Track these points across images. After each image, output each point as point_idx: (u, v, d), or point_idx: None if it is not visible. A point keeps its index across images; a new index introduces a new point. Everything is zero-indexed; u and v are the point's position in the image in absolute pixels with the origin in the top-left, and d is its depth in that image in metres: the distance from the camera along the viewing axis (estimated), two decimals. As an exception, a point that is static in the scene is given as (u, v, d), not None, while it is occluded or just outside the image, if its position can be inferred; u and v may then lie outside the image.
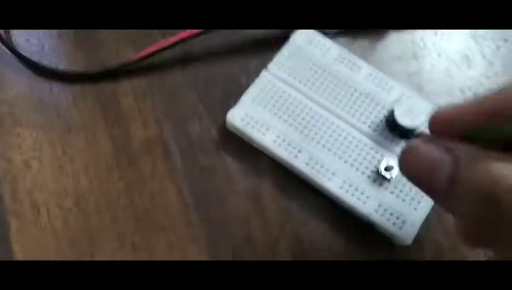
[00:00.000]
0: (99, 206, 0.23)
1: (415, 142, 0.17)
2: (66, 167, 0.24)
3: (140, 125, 0.25)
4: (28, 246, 0.23)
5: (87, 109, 0.25)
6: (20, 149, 0.24)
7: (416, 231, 0.22)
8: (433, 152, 0.16)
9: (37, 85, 0.25)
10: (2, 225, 0.23)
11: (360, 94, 0.25)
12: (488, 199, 0.14)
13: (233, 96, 0.25)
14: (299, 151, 0.23)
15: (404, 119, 0.23)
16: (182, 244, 0.23)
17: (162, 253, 0.23)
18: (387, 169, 0.23)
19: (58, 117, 0.25)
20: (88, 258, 0.22)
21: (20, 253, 0.22)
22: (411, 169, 0.17)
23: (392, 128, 0.24)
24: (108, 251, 0.23)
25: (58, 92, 0.25)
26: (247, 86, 0.25)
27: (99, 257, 0.22)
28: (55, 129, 0.25)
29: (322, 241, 0.23)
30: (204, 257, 0.23)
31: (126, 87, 0.26)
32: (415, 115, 0.23)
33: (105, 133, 0.25)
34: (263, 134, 0.24)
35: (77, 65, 0.26)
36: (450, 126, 0.16)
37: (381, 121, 0.24)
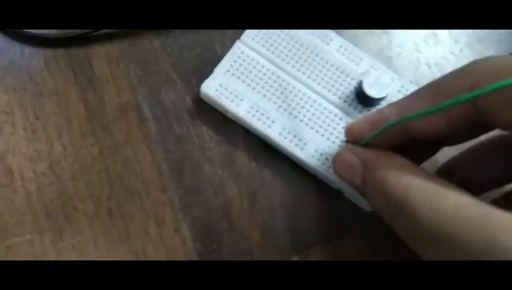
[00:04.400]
0: (74, 171, 0.23)
1: (343, 147, 0.22)
2: (39, 131, 0.24)
3: (114, 91, 0.25)
4: (1, 211, 0.23)
5: (59, 74, 0.25)
6: (-10, 113, 0.24)
7: (381, 197, 0.24)
8: (352, 158, 0.21)
9: (8, 47, 0.25)
10: (-26, 189, 0.23)
11: (331, 66, 0.25)
12: (382, 195, 0.19)
13: (207, 65, 0.25)
14: (273, 121, 0.24)
15: (371, 90, 0.24)
16: (157, 211, 0.23)
17: (137, 220, 0.23)
18: (355, 139, 0.24)
19: (30, 81, 0.24)
20: (62, 222, 0.23)
21: (-7, 217, 0.22)
22: (339, 170, 0.22)
23: (361, 99, 0.25)
24: (83, 217, 0.23)
25: (29, 55, 0.25)
26: (222, 55, 0.25)
27: (75, 223, 0.23)
28: (27, 93, 0.24)
29: (294, 208, 0.24)
30: (180, 224, 0.23)
31: (99, 52, 0.25)
32: (382, 87, 0.24)
33: (78, 98, 0.25)
34: (237, 105, 0.24)
35: (49, 29, 0.26)
36: (355, 136, 0.21)
37: (351, 92, 0.25)
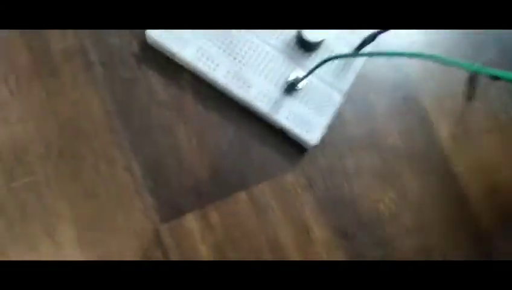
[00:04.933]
0: (22, 115, 0.24)
1: None
2: (-16, 76, 0.24)
3: (59, 36, 0.25)
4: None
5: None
6: None
7: (321, 134, 0.26)
8: None
9: None
10: None
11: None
12: None
13: (153, 10, 0.26)
14: (217, 65, 0.25)
15: (309, 35, 0.25)
16: (107, 151, 0.24)
17: (88, 160, 0.24)
18: (296, 81, 0.25)
19: (-29, 26, 0.24)
20: (13, 164, 0.23)
21: None
22: None
23: (301, 43, 0.26)
24: (35, 159, 0.23)
25: (-32, -1, 0.24)
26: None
27: (27, 164, 0.23)
28: (-32, 38, 0.24)
29: (240, 147, 0.26)
30: (130, 163, 0.24)
31: (42, -3, 0.25)
32: (320, 32, 0.25)
33: (22, 43, 0.25)
34: (182, 48, 0.25)
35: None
36: None
37: (292, 37, 0.26)
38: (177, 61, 0.26)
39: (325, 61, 0.21)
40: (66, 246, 0.23)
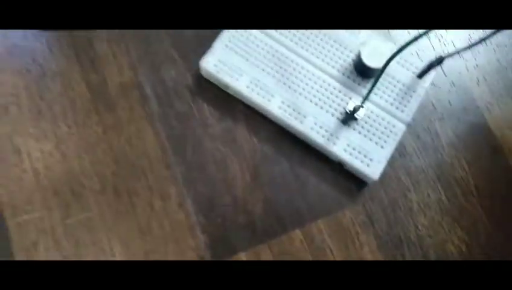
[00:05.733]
0: (79, 150, 0.24)
1: None
2: (45, 112, 0.24)
3: (116, 71, 0.25)
4: (10, 188, 0.23)
5: (62, 55, 0.25)
6: (-4, 95, 0.24)
7: (383, 167, 0.24)
8: None
9: (11, 30, 0.25)
10: (-16, 169, 0.23)
11: (329, 38, 0.25)
12: None
13: (206, 41, 0.25)
14: (272, 95, 0.24)
15: (370, 61, 0.24)
16: (161, 186, 0.24)
17: (142, 196, 0.24)
18: (354, 110, 0.24)
19: (34, 62, 0.25)
20: (70, 199, 0.23)
21: (4, 196, 0.23)
22: None
23: (359, 70, 0.25)
24: (90, 194, 0.24)
25: (32, 37, 0.25)
26: (220, 31, 0.25)
27: (82, 200, 0.23)
28: (31, 74, 0.25)
29: (295, 181, 0.25)
30: (184, 199, 0.24)
31: (100, 32, 0.26)
32: (381, 57, 0.24)
33: (80, 78, 0.25)
34: (237, 79, 0.24)
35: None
36: None
37: (349, 64, 0.25)
38: (231, 92, 0.25)
39: (390, 60, 0.20)
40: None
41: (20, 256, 0.22)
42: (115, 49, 0.26)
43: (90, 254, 0.23)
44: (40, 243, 0.23)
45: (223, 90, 0.25)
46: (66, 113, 0.24)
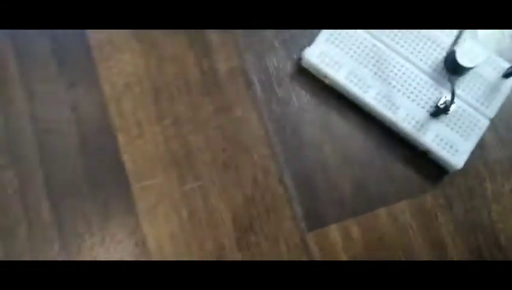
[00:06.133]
0: (194, 127, 0.27)
1: None
2: (163, 91, 0.27)
3: (225, 58, 0.28)
4: (134, 157, 0.27)
5: (178, 41, 0.28)
6: (121, 74, 0.28)
7: (466, 157, 0.26)
8: None
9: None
10: (111, 140, 0.27)
11: (423, 36, 0.27)
12: None
13: (305, 35, 0.28)
14: (368, 87, 0.27)
15: (464, 60, 0.26)
16: (264, 164, 0.27)
17: (248, 172, 0.27)
18: (446, 105, 0.26)
19: (152, 46, 0.28)
20: (186, 169, 0.26)
21: (129, 163, 0.26)
22: None
23: (450, 67, 0.27)
24: (203, 166, 0.27)
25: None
26: (322, 25, 0.28)
27: (196, 171, 0.27)
28: (151, 57, 0.28)
29: (382, 167, 0.27)
30: (283, 175, 0.27)
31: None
32: (474, 57, 0.26)
33: (194, 63, 0.28)
34: (337, 71, 0.27)
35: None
36: None
37: (440, 61, 0.27)
38: (328, 83, 0.28)
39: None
40: (226, 247, 0.26)
41: (143, 215, 0.26)
42: (225, 38, 0.28)
43: (202, 221, 0.26)
44: (160, 206, 0.26)
45: (319, 80, 0.28)
46: (182, 95, 0.28)
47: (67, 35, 0.28)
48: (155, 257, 0.25)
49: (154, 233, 0.26)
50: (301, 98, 0.28)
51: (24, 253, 0.25)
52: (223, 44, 0.28)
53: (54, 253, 0.25)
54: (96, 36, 0.28)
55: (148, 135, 0.27)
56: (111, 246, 0.26)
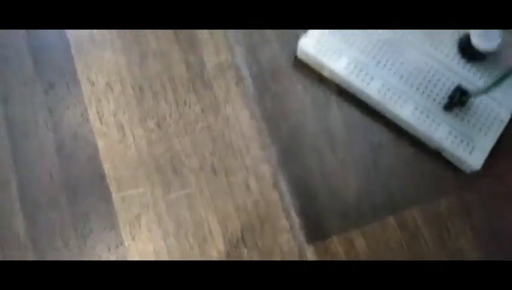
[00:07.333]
0: (179, 128, 0.25)
1: None
2: (146, 89, 0.25)
3: (213, 52, 0.26)
4: (115, 163, 0.24)
5: (162, 35, 0.26)
6: (102, 72, 0.25)
7: (486, 156, 0.23)
8: None
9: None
10: (91, 145, 0.25)
11: (434, 21, 0.24)
12: None
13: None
14: (372, 78, 0.24)
15: (480, 43, 0.22)
16: (257, 168, 0.24)
17: (239, 177, 0.24)
18: (461, 96, 0.23)
19: (135, 42, 0.26)
20: (171, 176, 0.24)
21: (111, 171, 0.24)
22: None
23: (465, 52, 0.24)
24: (189, 172, 0.24)
25: (134, 17, 0.26)
26: (319, 12, 0.25)
27: (182, 177, 0.24)
28: (132, 54, 0.26)
29: (388, 170, 0.24)
30: (278, 180, 0.24)
31: (197, 13, 0.26)
32: (492, 39, 0.23)
33: (179, 58, 0.26)
34: (335, 60, 0.24)
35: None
36: None
37: (453, 46, 0.24)
38: (326, 74, 0.25)
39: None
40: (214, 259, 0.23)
41: (124, 228, 0.24)
42: (212, 30, 0.26)
43: (189, 231, 0.24)
44: (143, 217, 0.24)
45: (317, 72, 0.25)
46: (166, 93, 0.25)
47: (44, 31, 0.26)
48: (138, 273, 0.23)
49: (136, 248, 0.23)
50: (297, 93, 0.25)
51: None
52: (211, 37, 0.26)
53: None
54: (75, 32, 0.26)
55: (130, 138, 0.25)
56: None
